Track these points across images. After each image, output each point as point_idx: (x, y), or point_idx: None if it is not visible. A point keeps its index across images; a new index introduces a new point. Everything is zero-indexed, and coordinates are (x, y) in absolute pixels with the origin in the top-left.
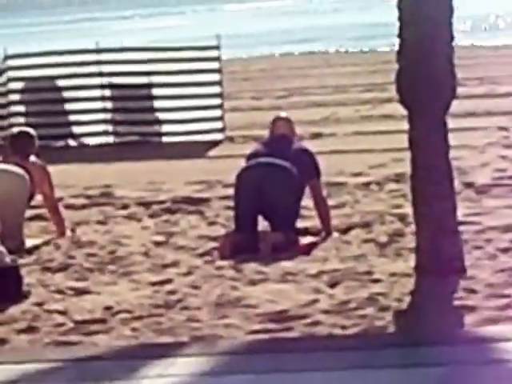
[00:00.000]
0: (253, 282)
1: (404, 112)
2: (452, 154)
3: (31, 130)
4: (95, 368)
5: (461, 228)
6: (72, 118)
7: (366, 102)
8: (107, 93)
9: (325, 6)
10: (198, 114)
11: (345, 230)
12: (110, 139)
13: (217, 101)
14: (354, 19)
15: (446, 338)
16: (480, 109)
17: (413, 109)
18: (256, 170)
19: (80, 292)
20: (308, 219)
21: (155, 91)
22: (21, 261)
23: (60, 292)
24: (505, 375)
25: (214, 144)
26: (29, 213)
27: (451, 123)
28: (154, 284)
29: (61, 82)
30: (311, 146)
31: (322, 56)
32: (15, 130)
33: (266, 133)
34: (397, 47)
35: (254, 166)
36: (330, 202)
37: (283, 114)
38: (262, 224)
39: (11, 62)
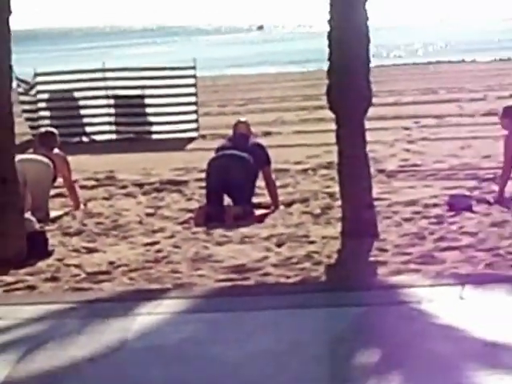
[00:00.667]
0: (219, 243)
1: (332, 116)
2: (368, 147)
3: (54, 130)
4: (102, 308)
5: (375, 203)
6: (84, 120)
7: (304, 108)
8: (111, 101)
9: (274, 36)
10: (178, 118)
11: (288, 204)
12: (113, 136)
13: (192, 108)
14: (296, 46)
15: (364, 285)
16: (389, 114)
17: (339, 114)
18: (222, 160)
19: (91, 251)
20: (261, 196)
21: (147, 100)
22: (46, 227)
23: (76, 251)
24: (406, 313)
25: (191, 140)
26: (52, 191)
27: (368, 124)
28: (145, 245)
29: (76, 94)
30: (263, 141)
31: (271, 75)
32: (42, 129)
33: (229, 132)
34: (327, 67)
35: (220, 156)
36: (277, 183)
37: (242, 118)
38: (227, 200)
39: (39, 79)
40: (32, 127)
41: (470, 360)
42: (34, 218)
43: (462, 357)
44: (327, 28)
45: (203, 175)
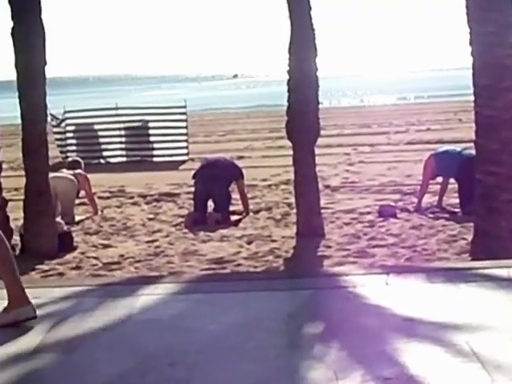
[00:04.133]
0: (203, 241)
1: (290, 144)
2: (317, 168)
3: (79, 159)
4: (113, 289)
5: (322, 211)
6: (102, 146)
7: (268, 138)
8: (122, 132)
9: (246, 83)
10: (173, 145)
11: (256, 212)
12: (124, 159)
13: (184, 137)
14: (263, 91)
15: (313, 273)
16: (334, 143)
17: (295, 143)
18: (205, 176)
19: (106, 246)
20: (236, 205)
21: (149, 131)
22: (72, 229)
23: (94, 246)
24: (344, 295)
25: (182, 162)
26: (77, 201)
27: (317, 151)
28: (147, 242)
29: (95, 126)
30: (238, 163)
31: (244, 112)
32: (70, 159)
33: (213, 156)
34: (286, 107)
35: (205, 166)
36: (248, 195)
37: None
38: (210, 207)
39: (68, 115)
40: (61, 152)
41: (393, 331)
42: (63, 222)
43: (386, 329)
44: (287, 77)
45: (192, 189)
